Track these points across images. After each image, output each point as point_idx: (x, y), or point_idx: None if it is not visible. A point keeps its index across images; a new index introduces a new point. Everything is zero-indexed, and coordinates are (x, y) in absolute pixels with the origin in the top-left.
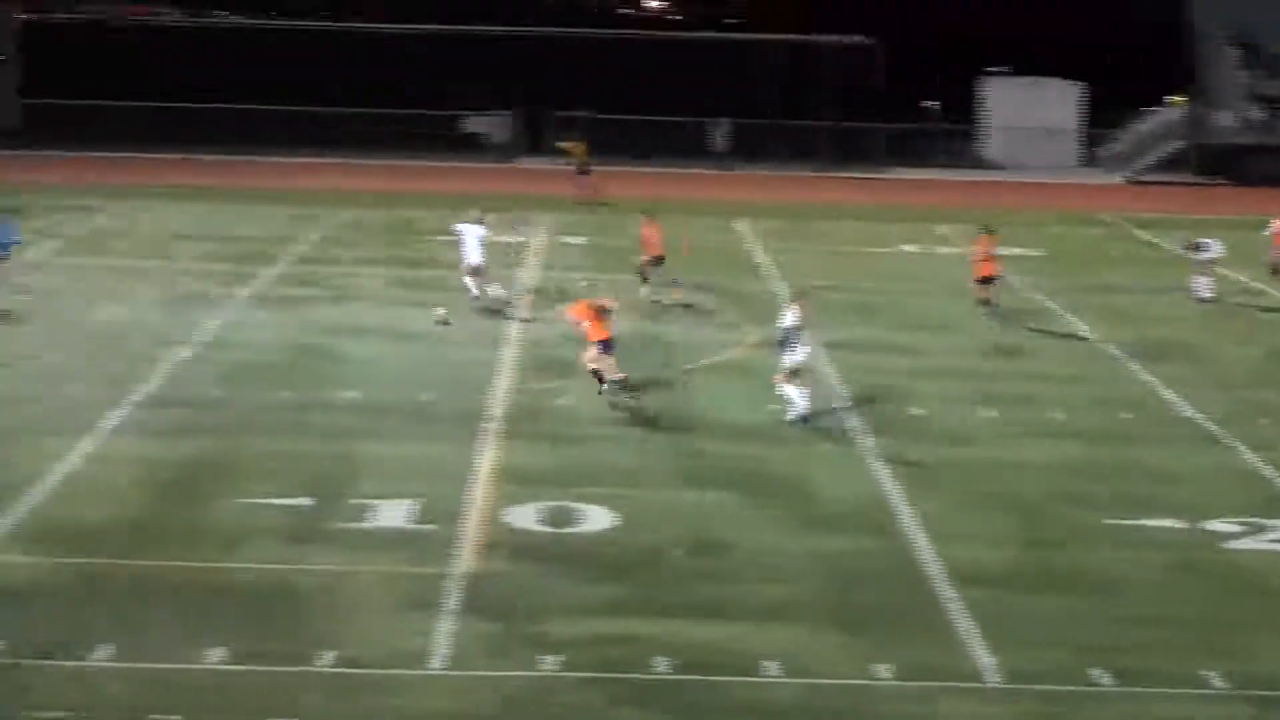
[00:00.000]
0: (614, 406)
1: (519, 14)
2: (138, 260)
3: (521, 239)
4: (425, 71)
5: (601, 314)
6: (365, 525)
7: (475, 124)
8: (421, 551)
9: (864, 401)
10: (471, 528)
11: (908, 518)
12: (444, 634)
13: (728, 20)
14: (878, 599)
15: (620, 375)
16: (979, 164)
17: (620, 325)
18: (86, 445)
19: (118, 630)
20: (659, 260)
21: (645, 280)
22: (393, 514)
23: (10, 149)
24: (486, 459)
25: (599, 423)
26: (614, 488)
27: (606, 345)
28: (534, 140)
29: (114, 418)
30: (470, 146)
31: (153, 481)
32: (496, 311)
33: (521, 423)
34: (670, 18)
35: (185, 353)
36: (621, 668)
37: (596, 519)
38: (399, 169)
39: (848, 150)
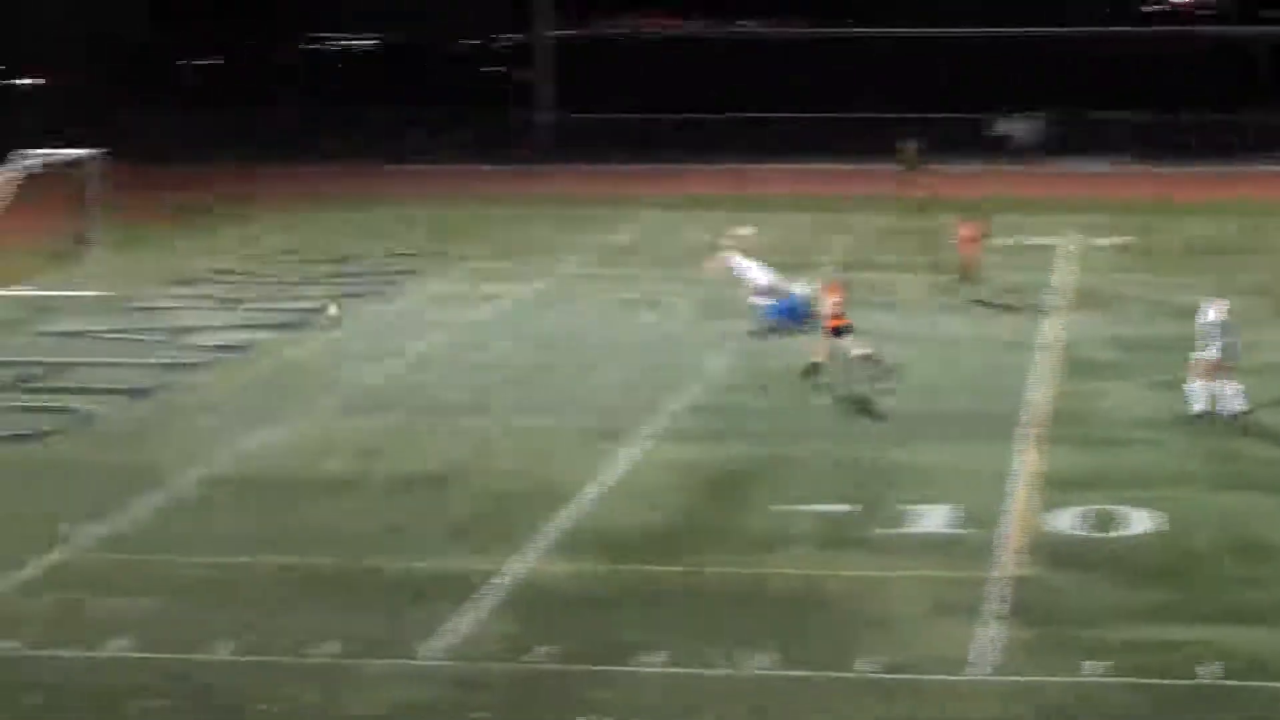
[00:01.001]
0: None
1: (1047, 14)
2: (670, 269)
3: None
4: (952, 73)
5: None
6: (904, 530)
7: (1004, 126)
8: (960, 556)
9: None
10: (1011, 532)
11: None
12: (984, 640)
13: (1267, 13)
14: None
15: (820, 359)
16: None
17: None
18: (629, 452)
19: (662, 636)
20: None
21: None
22: (931, 519)
23: (544, 163)
24: (1025, 463)
25: (1139, 425)
26: (1156, 490)
27: (838, 332)
28: (1064, 142)
29: (655, 425)
30: (999, 149)
31: (692, 487)
32: (1028, 315)
33: (1059, 425)
34: (1202, 12)
35: (721, 360)
36: (1164, 674)
37: (1139, 522)
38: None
39: None
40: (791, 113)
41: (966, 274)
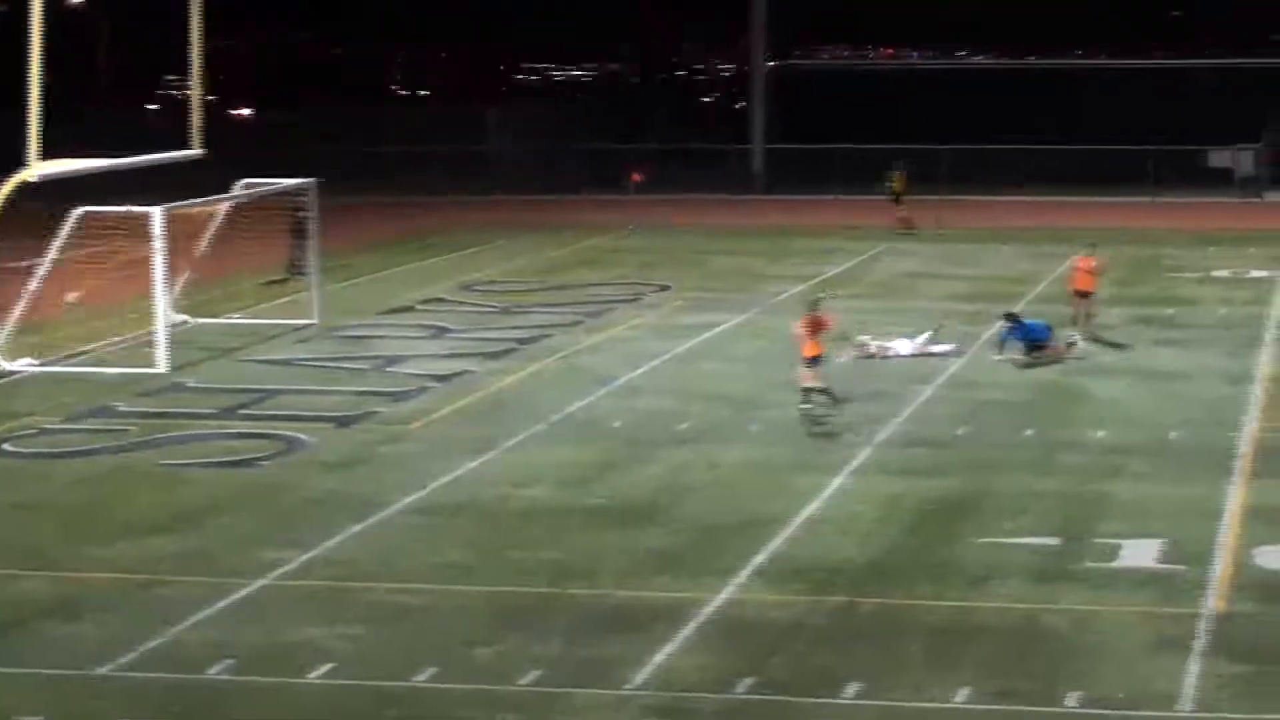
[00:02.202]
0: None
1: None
2: (878, 301)
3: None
4: (1166, 104)
5: (817, 330)
6: (1113, 564)
7: (1220, 158)
8: (1170, 591)
9: None
10: (1221, 567)
11: None
12: (1193, 675)
13: None
14: None
15: (815, 384)
16: None
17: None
18: (835, 483)
19: (867, 667)
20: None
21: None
22: (1141, 553)
23: (757, 193)
24: (1236, 497)
25: None
26: None
27: (813, 361)
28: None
29: (861, 456)
30: (1216, 181)
31: (897, 519)
32: (1244, 348)
33: (1272, 460)
34: None
35: (927, 391)
36: None
37: None
38: (1140, 206)
39: None
40: (1002, 144)
41: (1078, 306)
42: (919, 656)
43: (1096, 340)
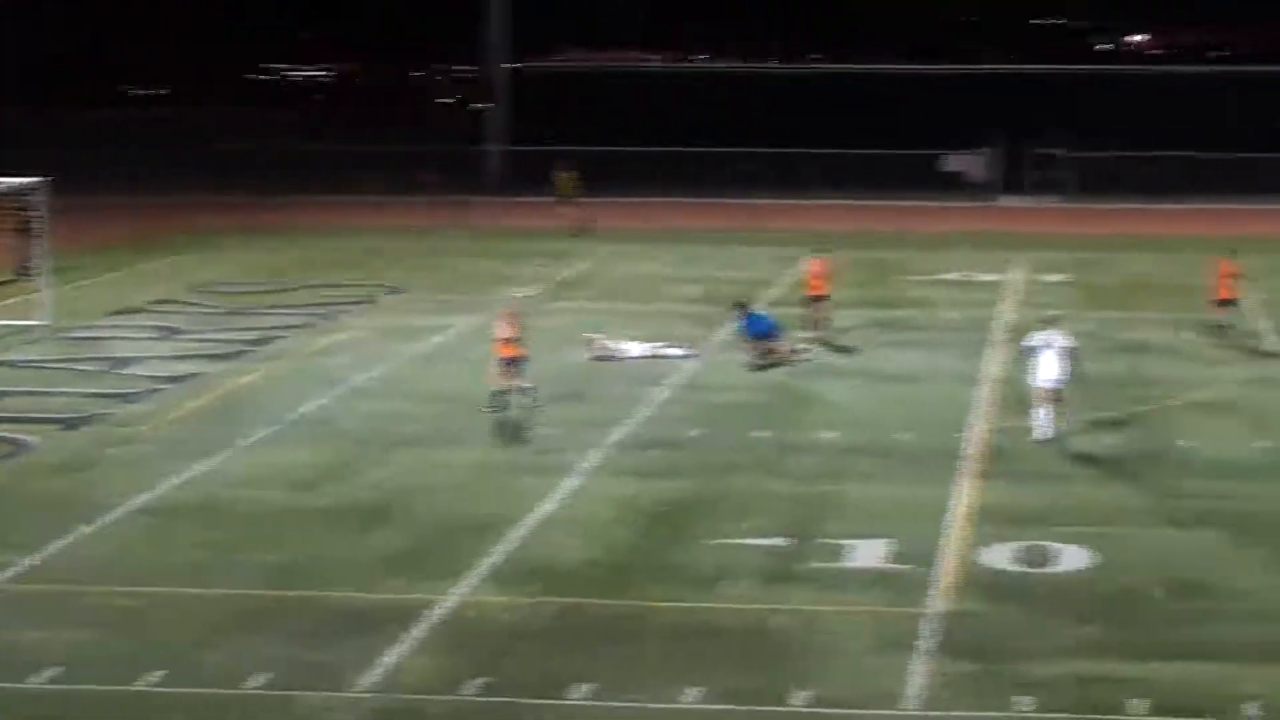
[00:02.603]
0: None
1: (996, 51)
2: (618, 303)
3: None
4: (902, 110)
5: (513, 332)
6: (841, 565)
7: (954, 162)
8: (897, 591)
9: None
10: (947, 567)
11: None
12: (918, 674)
13: (1213, 53)
14: None
15: (507, 385)
16: None
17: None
18: (566, 485)
19: (596, 669)
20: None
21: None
22: (869, 553)
23: (495, 195)
24: (962, 498)
25: (1076, 461)
26: (1092, 526)
27: (511, 363)
28: (1012, 178)
29: (594, 458)
30: (949, 185)
31: (631, 521)
32: (973, 351)
33: (997, 461)
34: (1151, 52)
35: (663, 393)
36: (1100, 709)
37: (1073, 558)
38: (875, 209)
39: None
40: (742, 147)
41: (811, 310)
42: (649, 657)
43: (827, 344)
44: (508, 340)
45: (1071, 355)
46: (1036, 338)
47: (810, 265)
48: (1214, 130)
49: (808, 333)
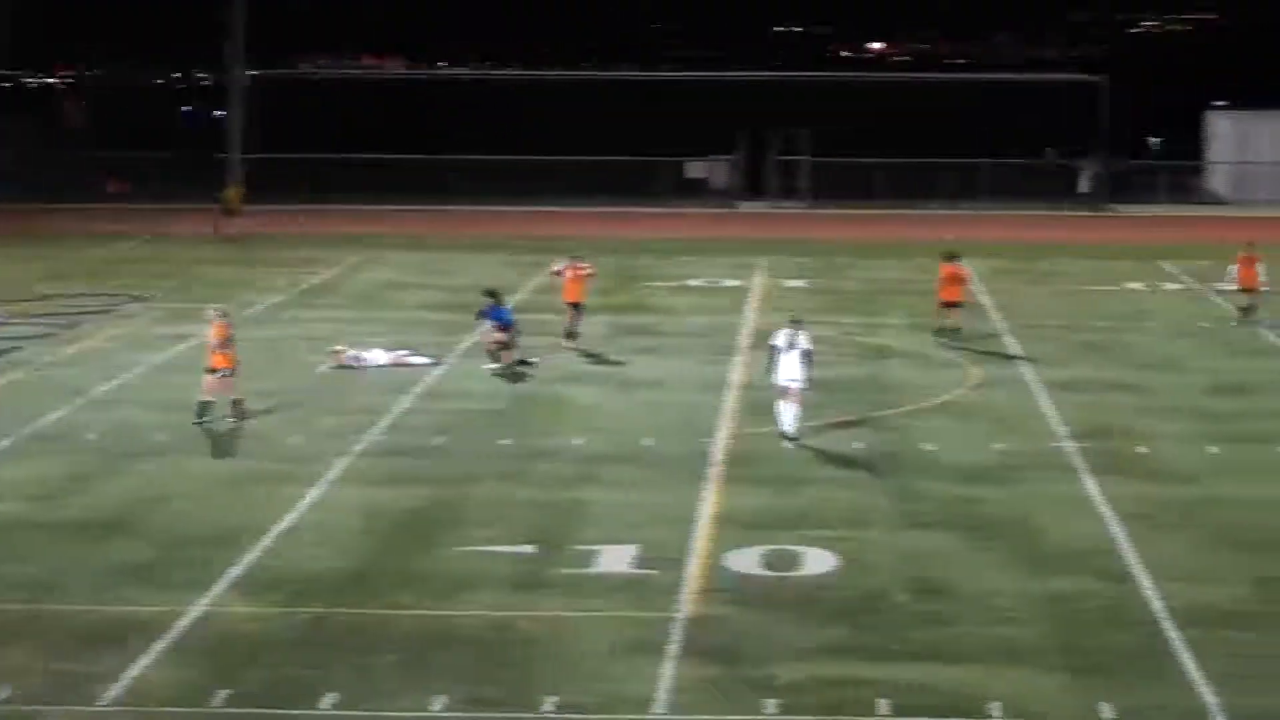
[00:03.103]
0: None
1: (739, 58)
2: (360, 311)
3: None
4: (646, 117)
5: (226, 343)
6: (589, 570)
7: (696, 169)
8: (644, 596)
9: (1088, 440)
10: (694, 572)
11: (1133, 557)
12: (667, 679)
13: (949, 60)
14: (1102, 640)
15: (212, 396)
16: (1205, 199)
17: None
18: (311, 494)
19: (343, 678)
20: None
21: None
22: (616, 559)
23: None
24: (708, 503)
25: (820, 466)
26: (835, 530)
27: (219, 372)
28: (754, 184)
29: (338, 467)
30: (692, 191)
31: (375, 530)
32: (718, 356)
33: (743, 466)
34: (892, 59)
35: (406, 402)
36: (844, 711)
37: (818, 562)
38: (619, 215)
39: (1069, 188)
40: (480, 153)
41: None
42: (396, 666)
43: (583, 352)
44: (217, 349)
45: (807, 357)
46: (780, 337)
47: (566, 271)
48: (950, 137)
49: (567, 342)
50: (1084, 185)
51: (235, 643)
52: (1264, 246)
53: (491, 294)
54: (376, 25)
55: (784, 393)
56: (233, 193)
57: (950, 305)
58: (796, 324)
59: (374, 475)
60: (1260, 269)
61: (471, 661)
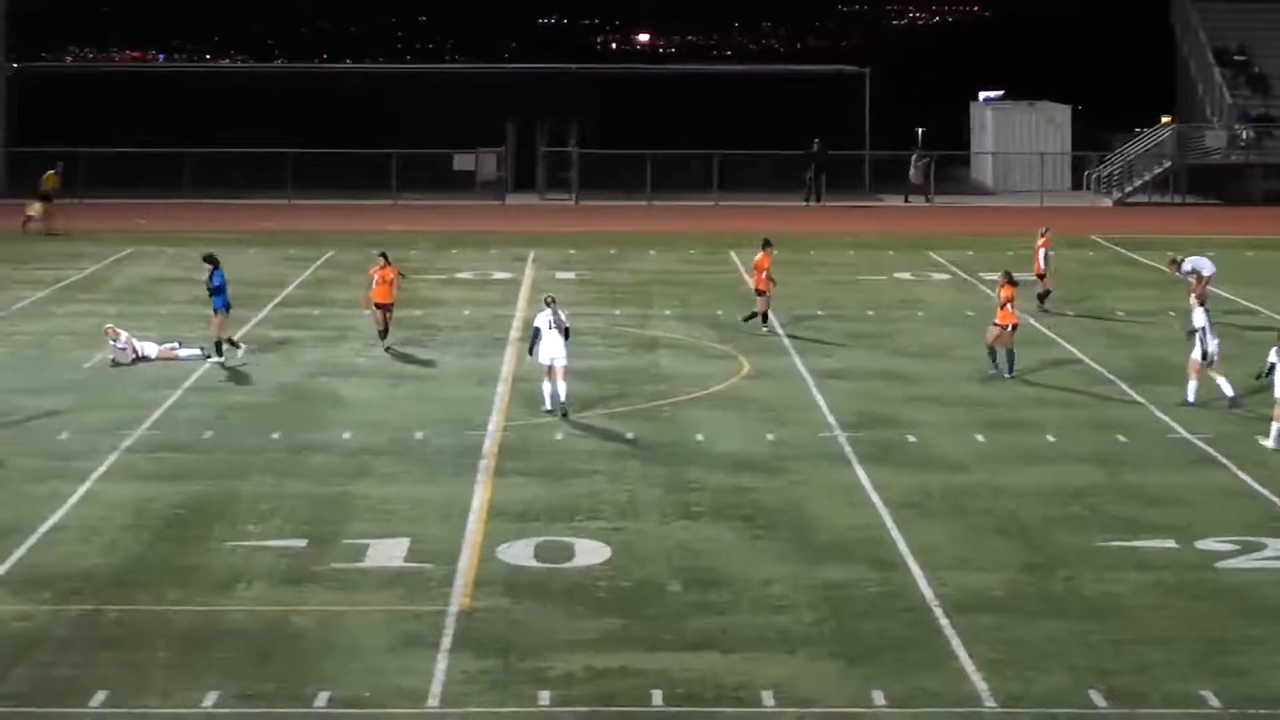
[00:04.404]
0: None
1: (508, 48)
2: (125, 306)
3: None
4: (413, 110)
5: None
6: (361, 564)
7: (464, 161)
8: (417, 590)
9: (858, 429)
10: (466, 565)
11: (903, 545)
12: (440, 671)
13: (717, 52)
14: (874, 627)
15: None
16: (969, 189)
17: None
18: (80, 491)
19: (113, 676)
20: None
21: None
22: (388, 552)
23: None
24: (480, 496)
25: (592, 457)
26: (608, 521)
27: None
28: (523, 176)
29: (105, 463)
30: (460, 184)
31: (145, 525)
32: (489, 349)
33: (515, 458)
34: (660, 50)
35: (175, 396)
36: (619, 701)
37: (591, 553)
38: (387, 208)
39: (837, 179)
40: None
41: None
42: (166, 662)
43: (388, 350)
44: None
45: (566, 334)
46: (541, 319)
47: (375, 272)
48: (717, 128)
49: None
50: (915, 176)
51: (3, 642)
52: (1022, 237)
53: (210, 259)
54: (136, 22)
55: (549, 371)
56: (52, 178)
57: (759, 294)
58: (551, 303)
59: (143, 471)
60: (1042, 255)
61: (243, 657)
